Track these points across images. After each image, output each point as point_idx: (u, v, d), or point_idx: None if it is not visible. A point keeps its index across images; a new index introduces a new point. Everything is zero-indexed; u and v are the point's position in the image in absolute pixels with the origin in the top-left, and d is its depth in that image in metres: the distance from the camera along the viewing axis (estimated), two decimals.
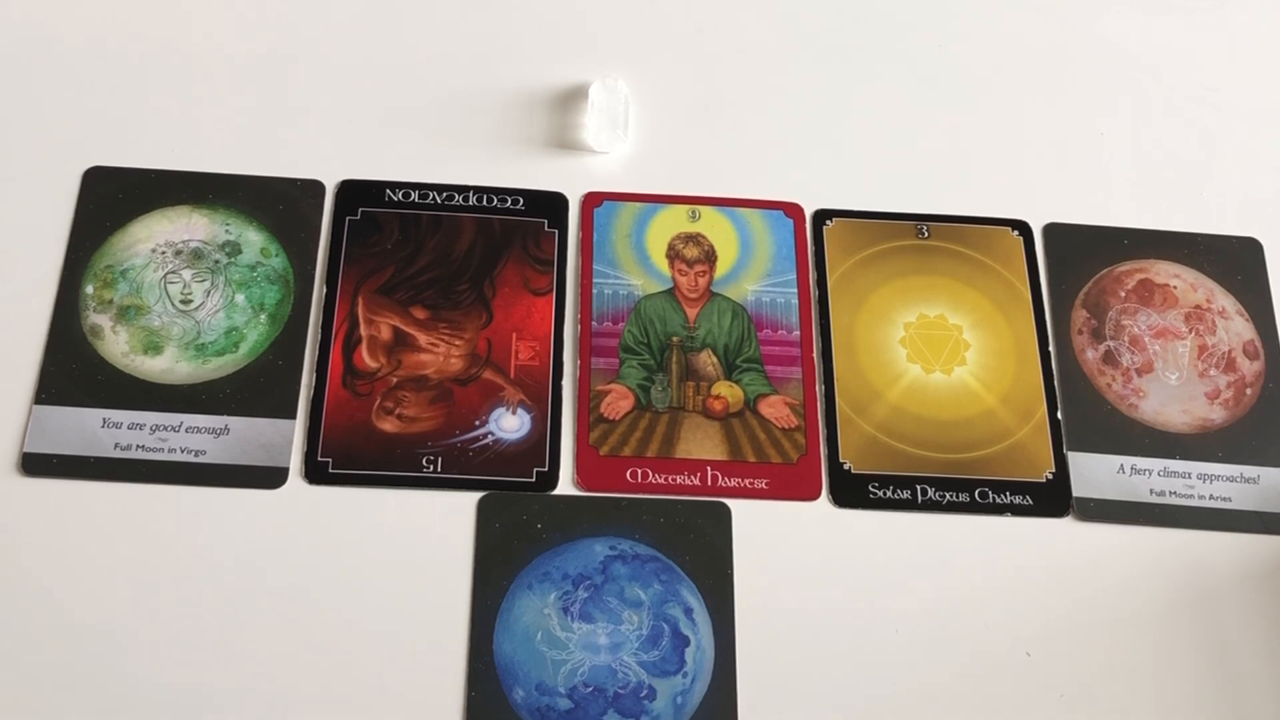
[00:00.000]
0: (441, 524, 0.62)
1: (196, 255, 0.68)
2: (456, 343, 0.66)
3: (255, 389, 0.65)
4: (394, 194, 0.70)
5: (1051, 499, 0.64)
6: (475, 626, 0.60)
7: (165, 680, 0.58)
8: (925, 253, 0.71)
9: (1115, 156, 0.75)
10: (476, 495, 0.63)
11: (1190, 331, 0.69)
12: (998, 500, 0.64)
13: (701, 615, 0.60)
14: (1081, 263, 0.71)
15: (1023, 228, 0.72)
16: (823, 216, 0.71)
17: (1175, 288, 0.71)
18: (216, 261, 0.68)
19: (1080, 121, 0.76)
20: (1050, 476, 0.65)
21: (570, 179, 0.71)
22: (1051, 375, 0.68)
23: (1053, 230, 0.72)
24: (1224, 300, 0.70)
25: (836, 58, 0.77)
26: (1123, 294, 0.70)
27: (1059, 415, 0.66)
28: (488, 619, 0.60)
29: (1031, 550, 0.63)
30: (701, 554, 0.62)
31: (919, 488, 0.64)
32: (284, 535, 0.62)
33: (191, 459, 0.63)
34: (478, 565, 0.61)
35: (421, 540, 0.62)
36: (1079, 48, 0.79)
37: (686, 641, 0.60)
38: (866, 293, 0.69)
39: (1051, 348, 0.69)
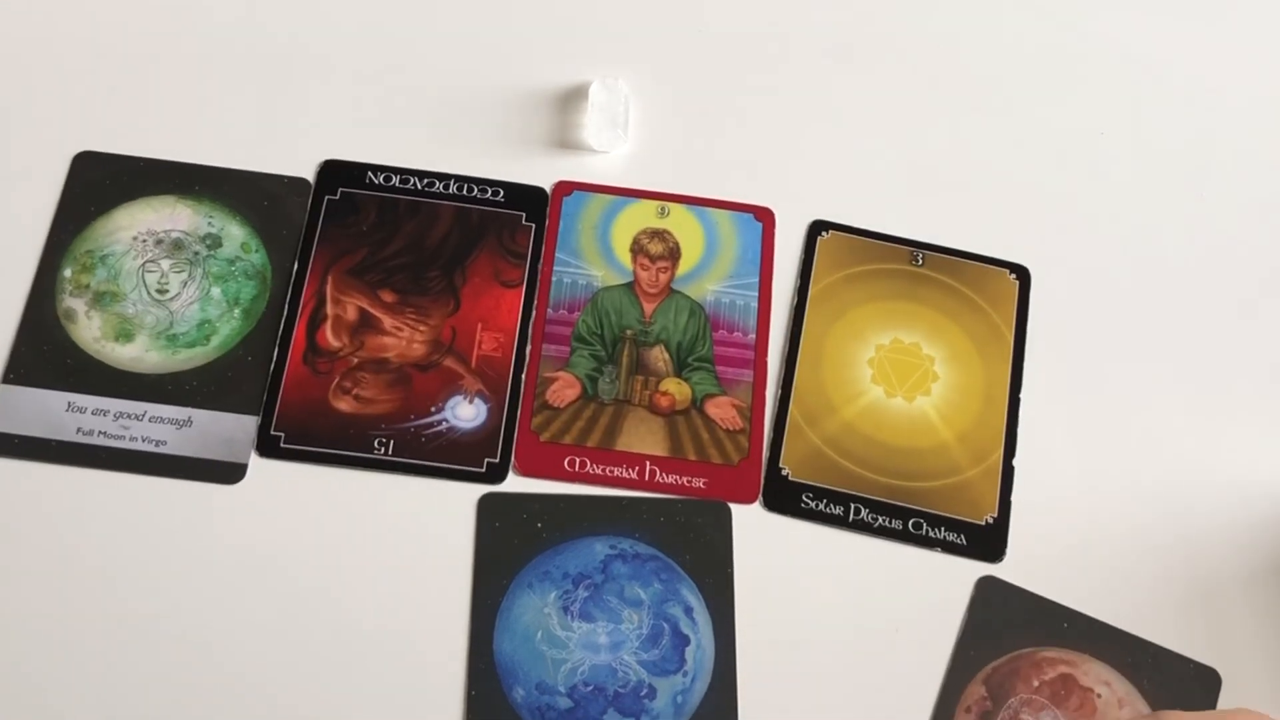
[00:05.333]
0: (441, 522, 0.62)
1: (177, 246, 0.67)
2: (421, 328, 0.66)
3: (222, 383, 0.65)
4: (375, 177, 0.70)
5: (987, 543, 0.64)
6: (475, 625, 0.60)
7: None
8: (916, 280, 0.70)
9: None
10: (477, 494, 0.63)
11: None
12: (931, 534, 0.64)
13: (701, 614, 0.61)
14: (1004, 632, 0.62)
15: (1021, 272, 0.70)
16: (820, 227, 0.71)
17: (1100, 697, 0.61)
18: (196, 253, 0.67)
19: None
20: (990, 521, 0.65)
21: (569, 179, 0.71)
22: (1016, 422, 0.67)
23: (995, 588, 0.63)
24: None
25: (844, 63, 0.75)
26: (1036, 683, 0.61)
27: (1013, 463, 0.66)
28: (488, 618, 0.60)
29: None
30: (701, 553, 0.62)
31: (853, 506, 0.64)
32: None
33: (152, 449, 0.63)
34: (478, 564, 0.61)
35: (421, 539, 0.62)
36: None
37: (686, 640, 0.60)
38: (846, 308, 0.69)
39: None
